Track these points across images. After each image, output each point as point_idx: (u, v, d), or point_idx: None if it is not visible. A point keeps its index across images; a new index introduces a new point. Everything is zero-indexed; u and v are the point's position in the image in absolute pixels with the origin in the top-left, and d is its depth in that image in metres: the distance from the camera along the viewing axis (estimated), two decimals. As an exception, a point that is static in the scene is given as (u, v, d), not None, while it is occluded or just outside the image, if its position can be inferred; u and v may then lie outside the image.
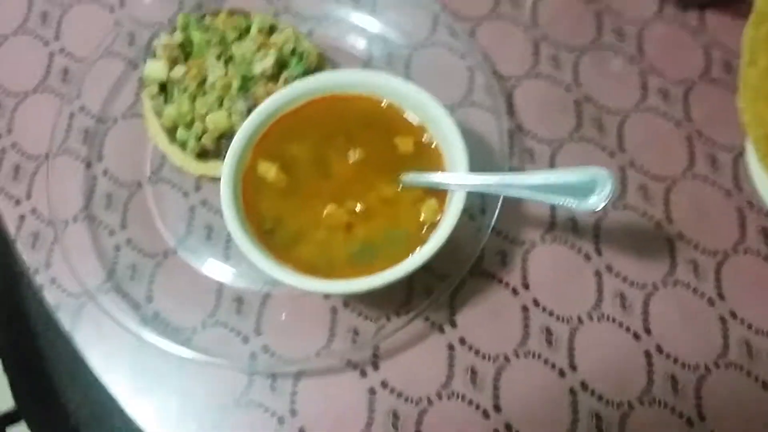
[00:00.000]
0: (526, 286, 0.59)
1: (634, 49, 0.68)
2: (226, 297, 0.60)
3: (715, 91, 0.66)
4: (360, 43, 0.69)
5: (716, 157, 0.63)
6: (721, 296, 0.58)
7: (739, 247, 0.60)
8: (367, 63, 0.68)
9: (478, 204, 0.61)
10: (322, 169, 0.57)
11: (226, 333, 0.58)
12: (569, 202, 0.50)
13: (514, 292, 0.59)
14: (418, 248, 0.52)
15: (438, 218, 0.54)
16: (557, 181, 0.51)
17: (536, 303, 0.59)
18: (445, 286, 0.58)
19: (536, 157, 0.64)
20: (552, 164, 0.64)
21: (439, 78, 0.67)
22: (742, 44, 0.53)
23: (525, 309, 0.58)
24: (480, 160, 0.61)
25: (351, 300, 0.59)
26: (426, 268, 0.53)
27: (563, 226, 0.61)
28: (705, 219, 0.61)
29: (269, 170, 0.56)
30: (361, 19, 0.70)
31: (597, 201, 0.49)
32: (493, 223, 0.59)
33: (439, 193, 0.55)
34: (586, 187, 0.50)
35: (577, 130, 0.65)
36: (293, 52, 0.64)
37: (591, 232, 0.61)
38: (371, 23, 0.69)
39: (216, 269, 0.60)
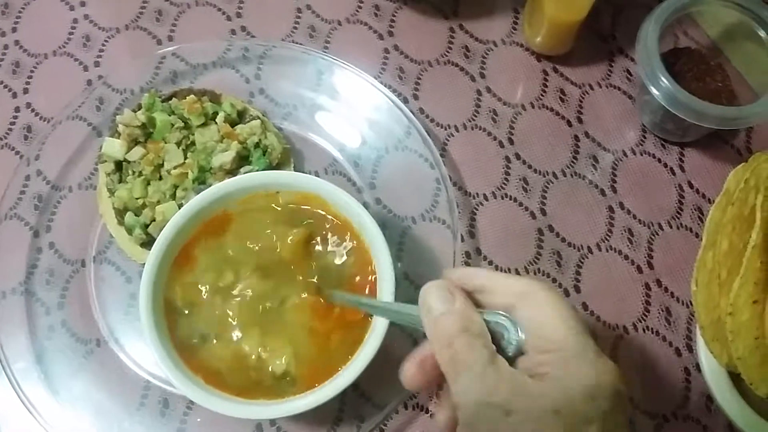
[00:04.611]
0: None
1: (607, 181, 0.66)
2: (152, 396, 0.58)
3: (682, 240, 0.64)
4: (331, 137, 0.67)
5: (671, 310, 0.62)
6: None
7: (678, 412, 0.59)
8: (334, 160, 0.66)
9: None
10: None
11: (147, 438, 0.57)
12: None
13: None
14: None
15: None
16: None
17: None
18: (376, 418, 0.56)
19: (489, 285, 0.62)
20: (504, 296, 0.62)
21: (406, 186, 0.65)
22: (705, 226, 0.52)
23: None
24: (428, 278, 0.59)
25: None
26: (358, 392, 0.53)
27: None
28: (650, 379, 0.60)
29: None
30: (337, 110, 0.68)
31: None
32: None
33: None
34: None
35: (535, 262, 0.63)
36: (257, 144, 0.62)
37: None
38: (347, 116, 0.68)
39: (146, 364, 0.59)
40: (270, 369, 0.52)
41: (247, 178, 0.56)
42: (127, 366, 0.59)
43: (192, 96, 0.63)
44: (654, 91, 0.60)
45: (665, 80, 0.59)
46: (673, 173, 0.67)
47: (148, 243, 0.60)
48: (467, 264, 0.62)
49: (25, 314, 0.61)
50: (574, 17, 0.63)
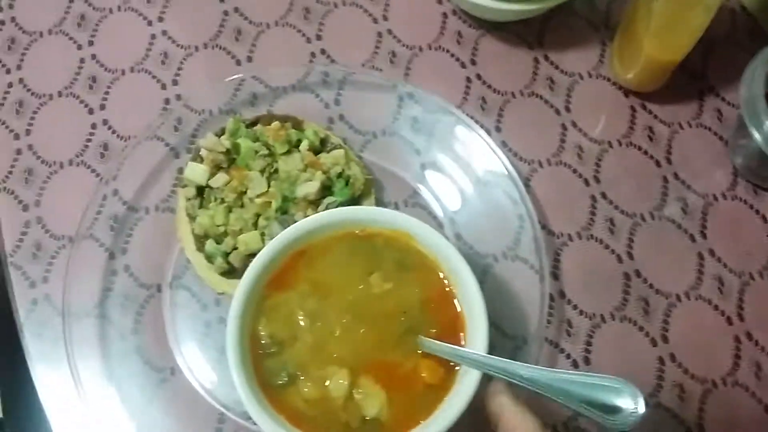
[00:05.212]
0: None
1: (696, 226, 0.64)
2: (226, 430, 0.57)
3: (775, 291, 0.62)
4: (411, 169, 0.65)
5: (762, 365, 0.60)
6: None
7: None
8: (414, 192, 0.64)
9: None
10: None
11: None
12: (593, 415, 0.46)
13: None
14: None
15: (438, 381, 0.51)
16: (583, 390, 0.46)
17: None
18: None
19: (574, 331, 0.61)
20: (588, 344, 0.60)
21: (488, 222, 0.63)
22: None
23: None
24: (513, 323, 0.58)
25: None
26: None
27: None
28: (739, 434, 0.58)
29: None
30: (417, 140, 0.66)
31: (623, 422, 0.45)
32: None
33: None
34: (614, 399, 0.45)
35: (622, 308, 0.61)
36: (340, 174, 0.61)
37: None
38: (427, 147, 0.66)
39: (221, 396, 0.58)
40: (360, 412, 0.50)
41: (334, 213, 0.55)
42: (202, 397, 0.58)
43: (277, 123, 0.62)
44: (756, 135, 0.58)
45: (769, 126, 0.57)
46: (765, 221, 0.64)
47: (228, 272, 0.59)
48: (551, 308, 0.60)
49: (99, 338, 0.60)
50: (673, 57, 0.61)
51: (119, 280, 0.61)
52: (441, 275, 0.53)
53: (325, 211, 0.55)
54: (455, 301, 0.53)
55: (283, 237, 0.53)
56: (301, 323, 0.52)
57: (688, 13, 0.57)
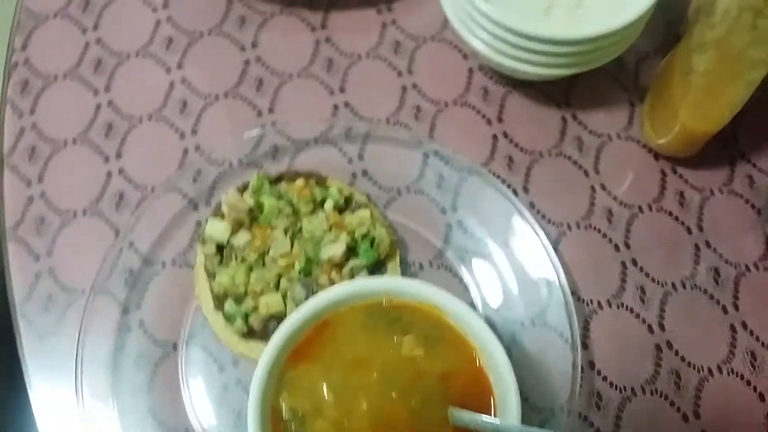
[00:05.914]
0: None
1: (729, 297, 0.62)
2: (243, 504, 0.54)
3: (810, 368, 0.60)
4: (436, 228, 0.64)
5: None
6: None
7: None
8: (439, 252, 0.63)
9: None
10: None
11: None
12: None
13: None
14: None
15: None
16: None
17: None
18: None
19: (604, 404, 0.58)
20: (618, 417, 0.58)
21: (516, 287, 0.61)
22: None
23: None
24: (541, 395, 0.56)
25: None
26: None
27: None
28: None
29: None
30: (443, 199, 0.65)
31: None
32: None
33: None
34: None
35: (653, 381, 0.59)
36: (365, 235, 0.59)
37: None
38: (452, 206, 0.64)
39: (238, 464, 0.55)
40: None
41: (360, 284, 0.53)
42: (218, 465, 0.55)
43: (301, 180, 0.60)
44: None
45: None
46: (798, 292, 0.63)
47: (248, 333, 0.57)
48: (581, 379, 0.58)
49: (112, 395, 0.57)
50: (710, 128, 0.59)
51: (133, 337, 0.59)
52: (472, 351, 0.51)
53: (350, 282, 0.53)
54: (485, 377, 0.51)
55: (306, 308, 0.51)
56: (325, 397, 0.50)
57: (729, 88, 0.56)
